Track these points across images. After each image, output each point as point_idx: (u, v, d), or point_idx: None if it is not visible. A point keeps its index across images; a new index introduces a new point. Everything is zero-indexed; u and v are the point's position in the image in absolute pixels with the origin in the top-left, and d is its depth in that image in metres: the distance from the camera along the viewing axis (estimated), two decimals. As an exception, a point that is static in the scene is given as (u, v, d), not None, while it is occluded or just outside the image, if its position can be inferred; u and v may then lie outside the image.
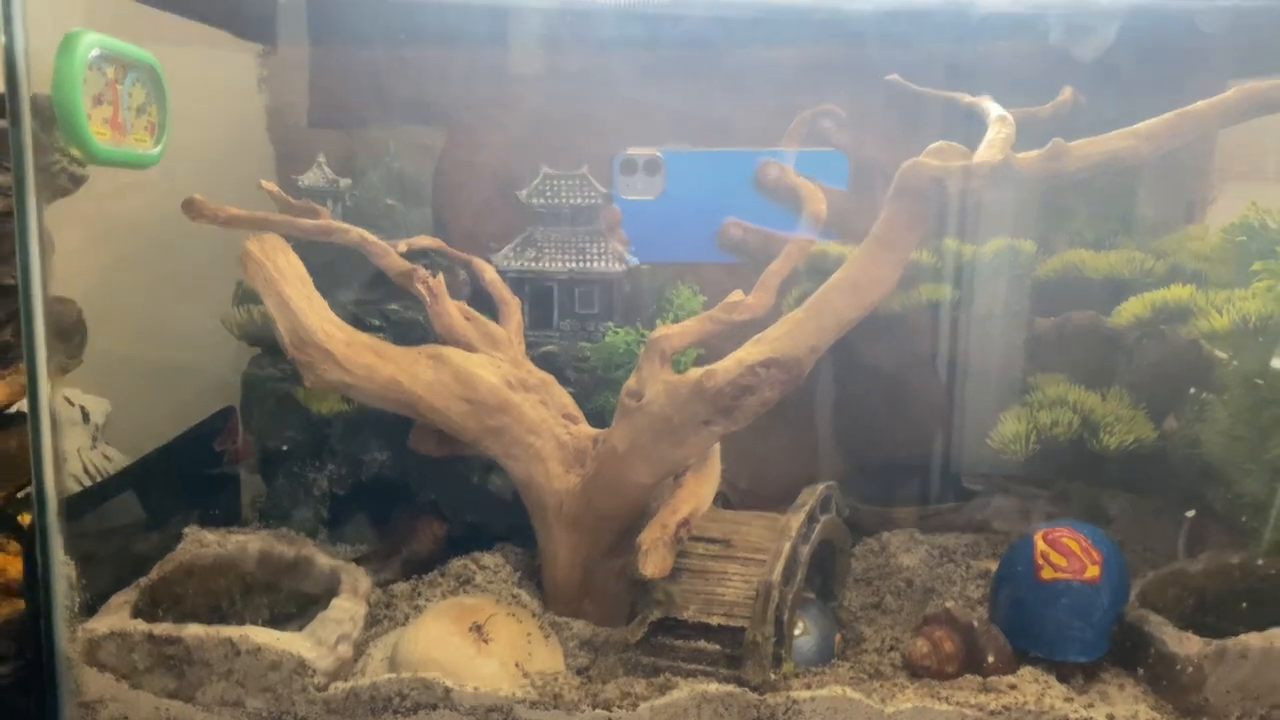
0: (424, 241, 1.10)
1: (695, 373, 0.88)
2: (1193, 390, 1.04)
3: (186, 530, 1.01)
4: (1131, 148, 0.81)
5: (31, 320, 0.89)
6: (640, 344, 1.05)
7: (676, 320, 1.12)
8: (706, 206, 1.20)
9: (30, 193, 0.82)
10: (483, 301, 1.10)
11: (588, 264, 1.14)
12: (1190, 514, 1.10)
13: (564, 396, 1.03)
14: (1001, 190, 0.89)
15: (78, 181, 0.93)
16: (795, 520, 0.92)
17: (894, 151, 0.92)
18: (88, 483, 1.14)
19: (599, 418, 1.05)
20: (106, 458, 1.25)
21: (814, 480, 1.00)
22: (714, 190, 1.20)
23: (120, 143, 0.84)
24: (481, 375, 0.97)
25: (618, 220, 1.17)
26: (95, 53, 0.79)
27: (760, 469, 1.15)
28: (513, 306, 1.08)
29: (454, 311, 1.01)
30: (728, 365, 0.87)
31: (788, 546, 0.89)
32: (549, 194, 1.14)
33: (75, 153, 0.81)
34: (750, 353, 0.88)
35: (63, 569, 0.89)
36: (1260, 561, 0.95)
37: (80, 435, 1.24)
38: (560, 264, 1.14)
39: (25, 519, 0.99)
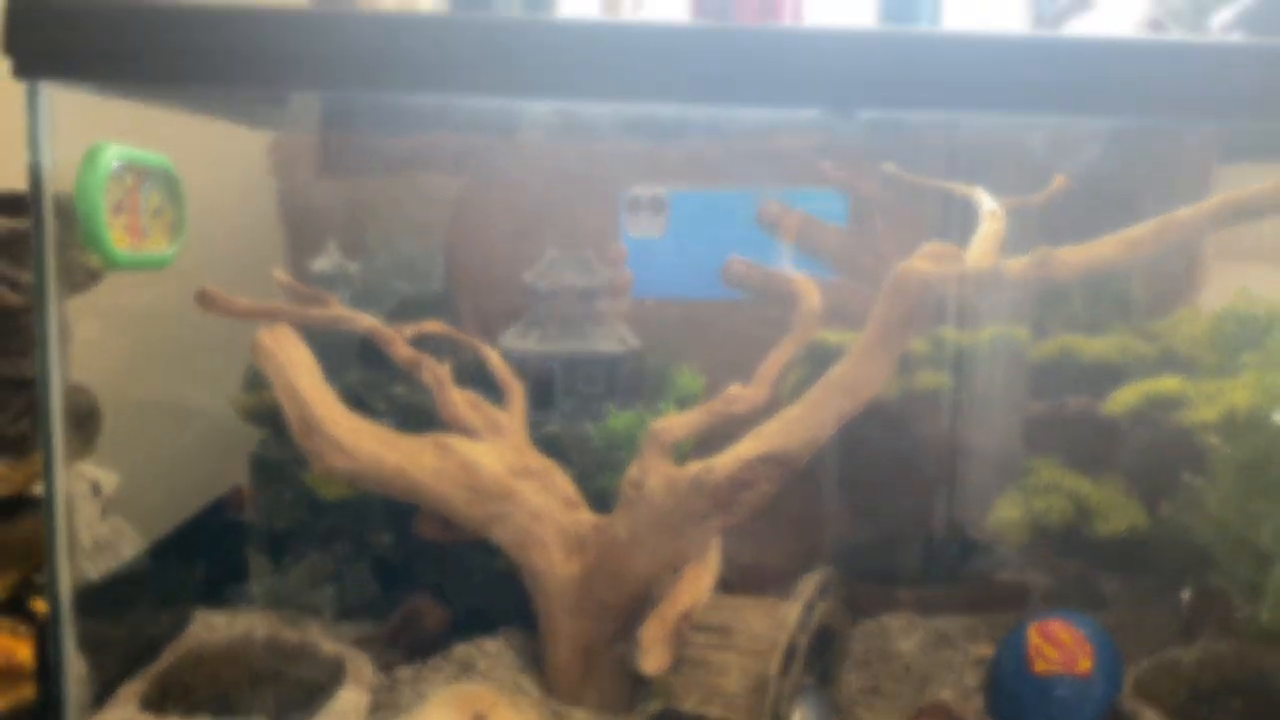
0: (430, 327, 1.13)
1: (694, 468, 0.90)
2: (1185, 477, 1.06)
3: (195, 613, 1.03)
4: (1117, 256, 0.83)
5: (49, 413, 0.92)
6: (642, 427, 1.07)
7: (679, 401, 1.15)
8: (710, 244, 1.23)
9: (50, 292, 0.85)
10: (485, 381, 1.12)
11: (591, 345, 1.17)
12: (1186, 595, 1.12)
13: (565, 482, 1.05)
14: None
15: (95, 276, 0.96)
16: (793, 611, 0.94)
17: (894, 190, 0.96)
18: (96, 555, 1.16)
19: (601, 499, 1.07)
20: (115, 531, 1.27)
21: (814, 555, 1.02)
22: (718, 228, 1.24)
23: (139, 247, 0.87)
24: (485, 464, 0.99)
25: (622, 257, 1.20)
26: (116, 164, 0.83)
27: (761, 545, 1.17)
28: (516, 391, 1.10)
29: (459, 400, 1.04)
30: (726, 461, 0.89)
31: (785, 639, 0.90)
32: (554, 275, 1.17)
33: (95, 259, 0.84)
34: (748, 449, 0.90)
35: (74, 661, 0.90)
36: (1253, 650, 0.97)
37: (90, 508, 1.27)
38: (563, 345, 1.17)
39: (38, 605, 1.02)
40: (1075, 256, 0.84)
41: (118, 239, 0.84)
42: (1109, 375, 1.10)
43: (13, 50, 0.76)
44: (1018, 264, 0.85)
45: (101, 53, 0.77)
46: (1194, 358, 1.09)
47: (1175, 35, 1.04)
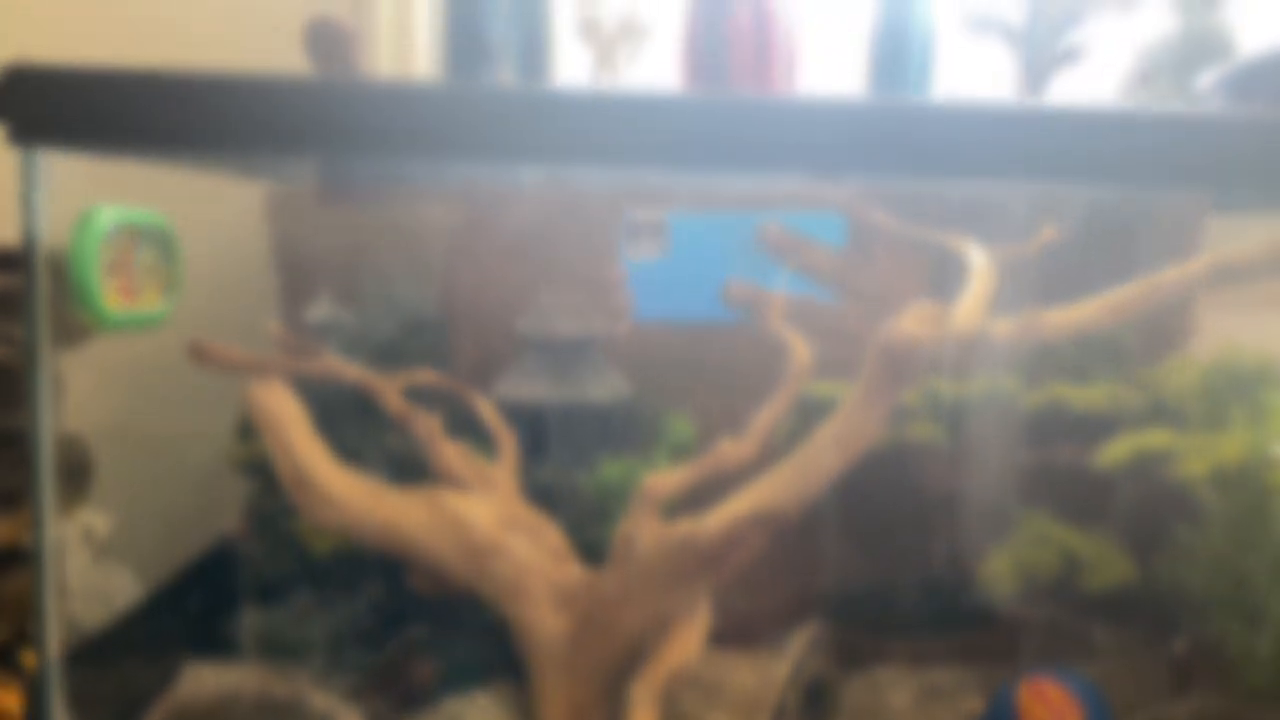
0: (423, 377, 1.13)
1: (684, 526, 0.90)
2: (1177, 529, 1.06)
3: (185, 665, 1.03)
4: (1104, 318, 0.84)
5: (39, 467, 0.93)
6: (634, 476, 1.07)
7: (672, 450, 1.15)
8: (710, 266, 1.23)
9: (43, 353, 0.86)
10: (477, 428, 1.12)
11: (583, 393, 1.17)
12: (1178, 645, 1.12)
13: (556, 536, 1.05)
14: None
15: (88, 332, 0.96)
16: (783, 668, 0.94)
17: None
18: (88, 602, 1.17)
19: (593, 550, 1.07)
20: (108, 576, 1.27)
21: (805, 603, 1.02)
22: (717, 251, 1.24)
23: (132, 306, 0.88)
24: (475, 518, 0.99)
25: (621, 280, 1.21)
26: (111, 227, 0.83)
27: (751, 593, 1.17)
28: (507, 441, 1.11)
29: (450, 453, 1.04)
30: (716, 520, 0.90)
31: (775, 697, 0.90)
32: (547, 323, 1.17)
33: (88, 320, 0.84)
34: (738, 507, 0.90)
35: (63, 718, 0.90)
36: (1247, 709, 0.96)
37: (82, 553, 1.27)
38: (556, 393, 1.17)
39: (27, 658, 1.02)
40: (1062, 319, 0.84)
41: (111, 300, 0.84)
42: (1100, 425, 1.11)
43: (8, 117, 0.77)
44: (1005, 326, 0.85)
45: (98, 119, 0.78)
46: (1184, 408, 1.09)
47: (1161, 97, 1.05)
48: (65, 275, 0.83)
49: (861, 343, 0.95)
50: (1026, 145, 0.76)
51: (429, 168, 0.88)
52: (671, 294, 1.24)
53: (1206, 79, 0.90)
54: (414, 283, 1.26)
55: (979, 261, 1.01)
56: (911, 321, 0.86)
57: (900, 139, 0.76)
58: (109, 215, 0.83)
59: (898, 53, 1.29)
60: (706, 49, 1.32)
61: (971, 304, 0.90)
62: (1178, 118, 0.74)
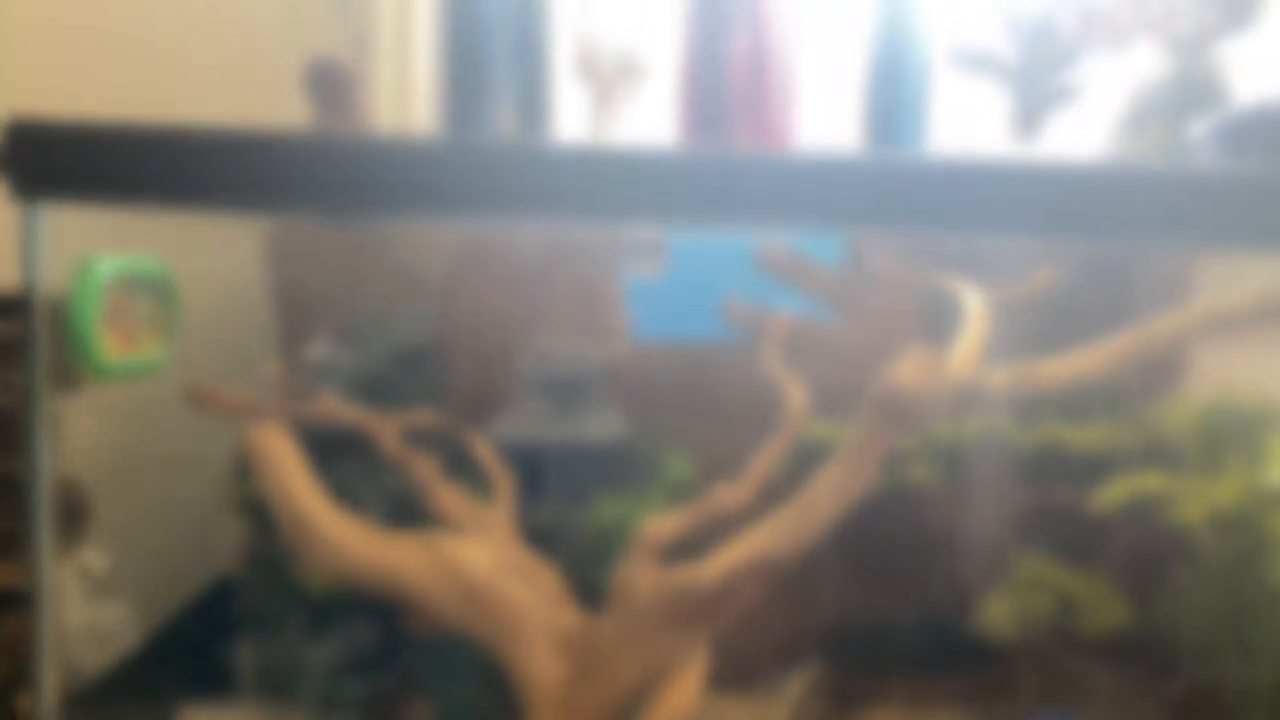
0: (422, 418, 1.13)
1: (681, 574, 0.91)
2: (1173, 571, 1.06)
3: (181, 708, 1.03)
4: (1098, 369, 0.84)
5: (37, 513, 0.93)
6: (631, 517, 1.08)
7: (670, 492, 1.15)
8: (711, 285, 1.23)
9: (41, 406, 0.86)
10: (473, 468, 1.13)
11: (581, 432, 1.17)
12: (1176, 689, 1.11)
13: (552, 580, 1.04)
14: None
15: (86, 379, 0.97)
16: (780, 713, 0.94)
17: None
18: (85, 641, 1.16)
19: (591, 592, 1.07)
20: (104, 614, 1.27)
21: (802, 643, 1.01)
22: (718, 269, 1.24)
23: (130, 355, 0.88)
24: (472, 562, 0.99)
25: (619, 299, 1.21)
26: (110, 277, 0.84)
27: (748, 632, 1.17)
28: (504, 483, 1.11)
29: (448, 497, 1.04)
30: (713, 568, 0.90)
31: (772, 745, 0.90)
32: (544, 363, 1.18)
33: (85, 371, 0.84)
34: (736, 554, 0.90)
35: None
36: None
37: (78, 592, 1.27)
38: (553, 432, 1.18)
39: (23, 700, 1.01)
40: (1057, 370, 0.85)
41: (109, 350, 0.84)
42: (1097, 465, 1.11)
43: (10, 171, 0.78)
44: (1000, 376, 0.86)
45: (101, 174, 0.79)
46: (1181, 448, 1.10)
47: (1153, 142, 1.06)
48: (63, 323, 0.84)
49: (860, 364, 0.95)
50: (1018, 203, 0.77)
51: (428, 219, 0.88)
52: (672, 313, 1.24)
53: (1198, 128, 0.91)
54: (413, 318, 1.26)
55: (974, 305, 1.01)
56: (907, 371, 0.86)
57: (895, 196, 0.77)
58: (108, 266, 0.83)
59: (893, 88, 1.30)
60: (704, 86, 1.33)
61: (967, 351, 0.91)
62: (1168, 176, 0.75)
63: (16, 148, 0.78)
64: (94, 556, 1.26)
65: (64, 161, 0.78)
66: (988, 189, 0.77)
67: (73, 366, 0.89)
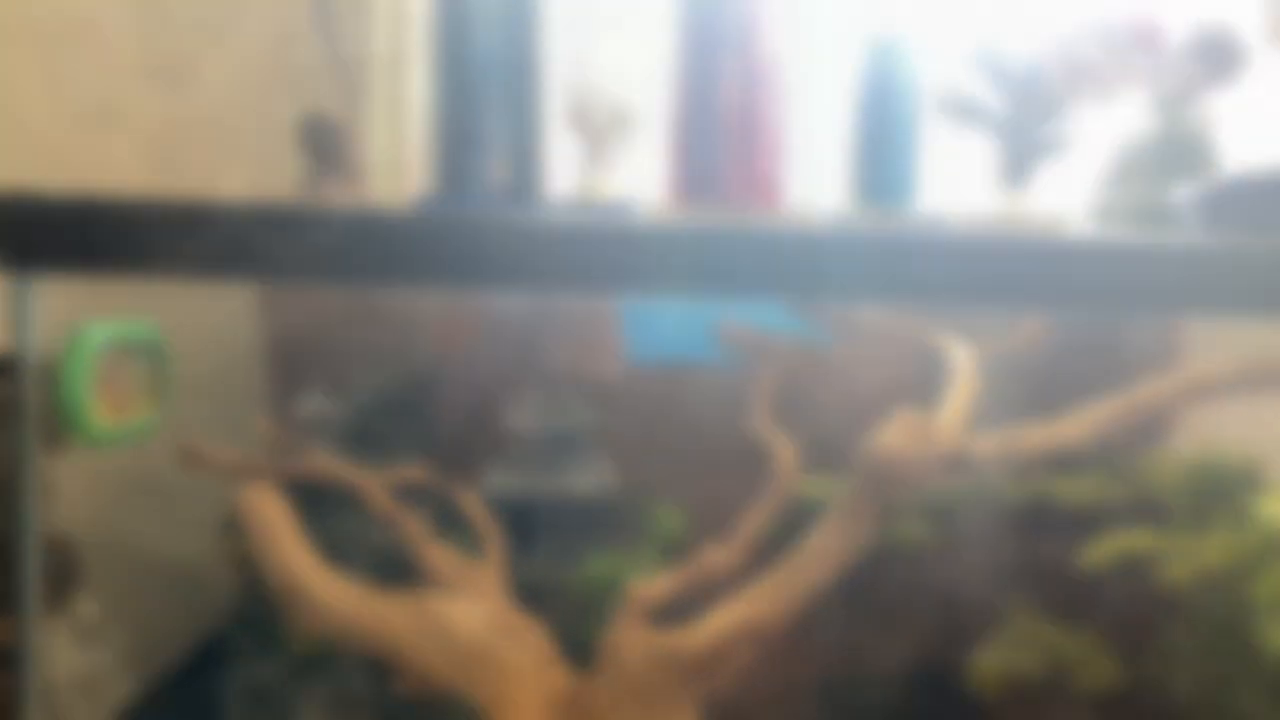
0: (411, 474, 1.13)
1: (671, 638, 0.91)
2: (1162, 631, 1.06)
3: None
4: (1081, 436, 0.85)
5: (25, 573, 0.93)
6: (621, 572, 1.08)
7: (661, 546, 1.16)
8: (703, 308, 1.21)
9: (31, 472, 0.86)
10: (462, 523, 1.13)
11: (570, 485, 1.18)
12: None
13: (542, 640, 1.04)
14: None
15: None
16: (770, 777, 0.94)
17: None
18: (75, 695, 1.16)
19: (581, 650, 1.07)
20: (95, 667, 1.27)
21: (796, 694, 1.01)
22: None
23: (121, 420, 0.89)
24: (461, 625, 0.99)
25: (611, 321, 1.21)
26: (101, 344, 0.84)
27: (742, 690, 1.17)
28: (494, 539, 1.11)
29: (438, 555, 1.04)
30: (703, 633, 0.90)
31: (762, 810, 0.90)
32: (534, 418, 1.18)
33: (76, 439, 0.85)
34: (726, 619, 0.91)
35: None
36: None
37: (68, 644, 1.26)
38: (543, 485, 1.18)
39: (11, 764, 1.01)
40: (1043, 436, 0.85)
41: (100, 418, 0.85)
42: (1086, 519, 1.11)
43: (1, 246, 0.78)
44: (986, 443, 0.86)
45: (92, 247, 0.79)
46: (1169, 503, 1.10)
47: (1135, 200, 1.07)
48: (54, 392, 0.84)
49: (857, 385, 0.95)
50: (1003, 276, 0.78)
51: (417, 289, 0.89)
52: (665, 336, 1.24)
53: (1181, 193, 0.92)
54: (403, 370, 1.26)
55: (962, 363, 1.02)
56: (894, 436, 0.87)
57: (881, 269, 0.78)
58: (100, 333, 0.84)
59: (882, 139, 1.31)
60: (694, 136, 1.34)
61: (954, 411, 0.91)
62: (1149, 249, 0.76)
63: (7, 222, 0.78)
64: (86, 612, 1.26)
65: (56, 236, 0.79)
66: (973, 263, 0.78)
67: (64, 433, 0.90)
